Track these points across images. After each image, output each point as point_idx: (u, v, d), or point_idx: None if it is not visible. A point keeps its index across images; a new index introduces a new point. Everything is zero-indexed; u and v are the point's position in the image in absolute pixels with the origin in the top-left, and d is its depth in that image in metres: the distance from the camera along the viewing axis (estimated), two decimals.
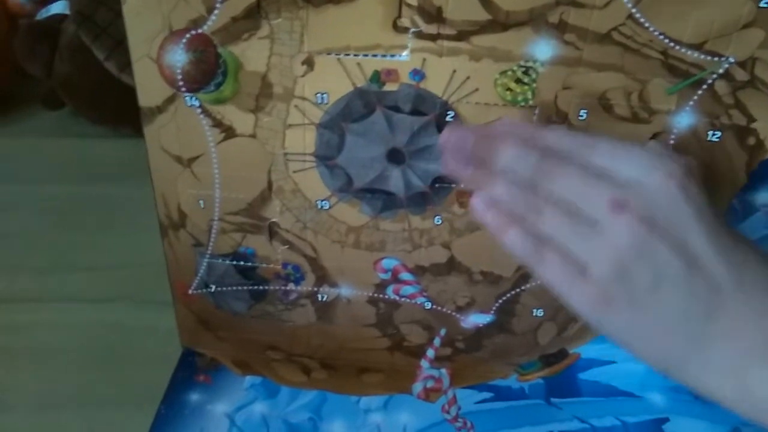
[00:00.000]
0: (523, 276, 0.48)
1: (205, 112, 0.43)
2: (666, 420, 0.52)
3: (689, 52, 0.38)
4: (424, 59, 0.40)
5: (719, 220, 0.33)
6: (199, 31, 0.40)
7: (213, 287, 0.50)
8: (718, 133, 0.41)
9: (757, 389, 0.31)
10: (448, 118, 0.42)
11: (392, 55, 0.40)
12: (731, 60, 0.38)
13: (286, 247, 0.48)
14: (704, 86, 0.39)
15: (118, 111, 0.74)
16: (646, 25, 0.38)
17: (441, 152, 0.38)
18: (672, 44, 0.38)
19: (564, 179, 0.33)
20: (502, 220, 0.34)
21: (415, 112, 0.42)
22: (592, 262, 0.32)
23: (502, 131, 0.35)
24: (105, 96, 0.72)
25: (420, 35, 0.39)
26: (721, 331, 0.32)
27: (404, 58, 0.40)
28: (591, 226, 0.32)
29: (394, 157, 0.43)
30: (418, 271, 0.48)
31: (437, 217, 0.46)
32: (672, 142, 0.41)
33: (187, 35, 0.40)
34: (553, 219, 0.33)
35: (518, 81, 0.40)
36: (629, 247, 0.32)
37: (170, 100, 0.42)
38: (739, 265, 0.32)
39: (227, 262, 0.48)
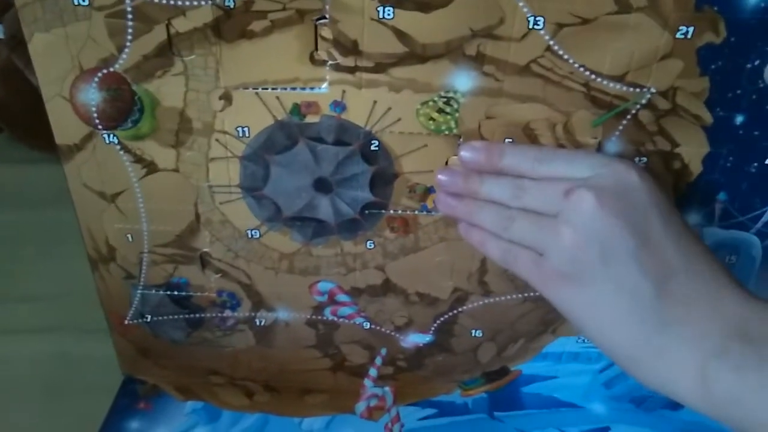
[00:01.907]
0: (460, 298, 0.48)
1: (125, 149, 0.42)
2: (607, 429, 0.53)
3: (611, 84, 0.38)
4: (344, 91, 0.39)
5: (675, 209, 0.34)
6: (111, 69, 0.38)
7: (149, 317, 0.49)
8: (644, 159, 0.41)
9: (715, 385, 0.30)
10: (372, 147, 0.41)
11: (311, 88, 0.39)
12: (653, 90, 0.38)
13: (220, 275, 0.47)
14: (628, 116, 0.39)
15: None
16: (566, 57, 0.37)
17: (368, 180, 0.42)
18: (593, 76, 0.38)
19: (527, 193, 0.36)
20: (483, 236, 0.38)
21: (339, 142, 0.41)
22: (550, 245, 0.34)
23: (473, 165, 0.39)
24: (40, 121, 0.70)
25: (338, 68, 0.38)
26: (676, 317, 0.31)
27: (323, 91, 0.39)
28: (552, 218, 0.34)
29: (321, 186, 0.43)
30: (355, 292, 0.48)
31: (369, 242, 0.45)
32: None
33: (99, 74, 0.38)
34: (522, 225, 0.36)
35: (440, 111, 0.40)
36: (582, 222, 0.33)
37: (88, 137, 0.41)
38: (690, 252, 0.33)
39: (161, 292, 0.48)
